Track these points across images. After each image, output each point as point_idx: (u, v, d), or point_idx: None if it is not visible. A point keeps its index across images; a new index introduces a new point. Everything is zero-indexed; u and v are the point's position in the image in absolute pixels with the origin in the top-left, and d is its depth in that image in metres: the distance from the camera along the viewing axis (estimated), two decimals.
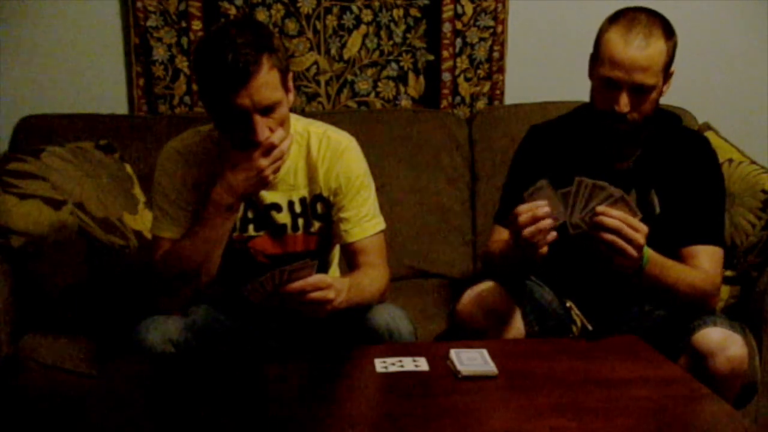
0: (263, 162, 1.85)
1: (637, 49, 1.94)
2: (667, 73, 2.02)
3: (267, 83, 1.81)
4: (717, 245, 2.04)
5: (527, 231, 1.79)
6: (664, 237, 2.03)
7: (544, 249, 1.83)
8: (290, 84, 1.90)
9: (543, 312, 2.08)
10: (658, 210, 2.07)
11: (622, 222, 1.78)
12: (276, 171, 1.90)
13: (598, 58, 2.01)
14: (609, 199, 1.79)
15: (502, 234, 2.07)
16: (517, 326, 2.03)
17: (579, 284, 2.12)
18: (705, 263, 2.01)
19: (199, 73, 1.86)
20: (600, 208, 1.78)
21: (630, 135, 2.03)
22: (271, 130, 1.85)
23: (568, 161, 2.10)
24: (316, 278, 1.73)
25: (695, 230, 2.03)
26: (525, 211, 1.80)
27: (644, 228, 1.81)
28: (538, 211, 1.78)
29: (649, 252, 1.88)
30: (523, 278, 2.11)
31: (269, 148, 1.85)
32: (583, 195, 1.80)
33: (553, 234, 1.81)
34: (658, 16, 2.01)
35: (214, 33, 1.86)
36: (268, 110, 1.83)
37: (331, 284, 1.75)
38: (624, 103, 1.97)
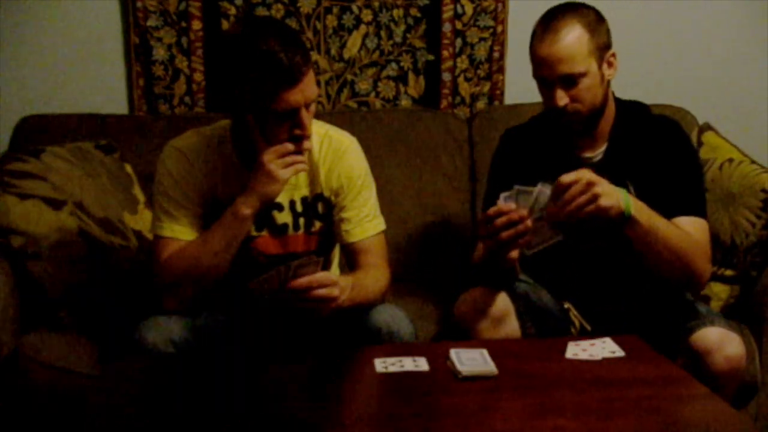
0: (290, 146, 1.87)
1: (551, 44, 1.97)
2: (602, 57, 2.02)
3: (312, 79, 1.87)
4: (700, 216, 2.02)
5: (505, 234, 1.84)
6: None
7: (515, 254, 1.90)
8: None
9: (541, 314, 2.08)
10: None
11: (578, 188, 1.81)
12: (297, 171, 1.92)
13: None
14: (540, 196, 1.83)
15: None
16: (513, 327, 2.03)
17: (577, 286, 2.12)
18: (692, 232, 1.98)
19: (248, 73, 1.83)
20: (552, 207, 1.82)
21: (578, 125, 2.04)
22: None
23: (539, 161, 2.10)
24: (322, 275, 1.74)
25: (676, 203, 2.01)
26: (496, 212, 1.84)
27: (598, 179, 1.83)
28: (513, 215, 1.83)
29: (628, 196, 1.88)
30: (510, 284, 2.10)
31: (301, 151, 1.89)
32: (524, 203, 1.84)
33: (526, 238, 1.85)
34: (579, 8, 2.02)
35: (255, 34, 1.84)
36: (309, 105, 1.88)
37: (337, 282, 1.76)
38: (559, 97, 1.99)
